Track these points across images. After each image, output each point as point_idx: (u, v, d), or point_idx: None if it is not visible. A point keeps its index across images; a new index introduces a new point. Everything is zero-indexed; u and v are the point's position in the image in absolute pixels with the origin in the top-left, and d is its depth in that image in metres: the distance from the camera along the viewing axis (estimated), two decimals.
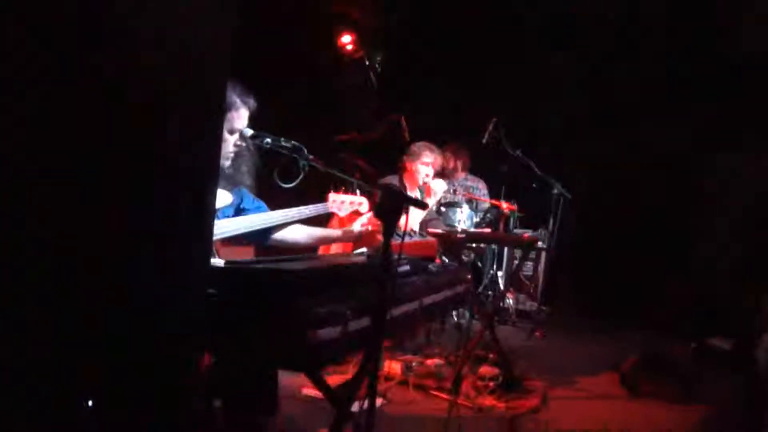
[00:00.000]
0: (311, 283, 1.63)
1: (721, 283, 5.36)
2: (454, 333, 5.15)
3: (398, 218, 1.75)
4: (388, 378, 3.75)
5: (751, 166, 5.41)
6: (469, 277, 2.90)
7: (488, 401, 3.56)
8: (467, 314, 5.66)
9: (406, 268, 2.13)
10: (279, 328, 1.46)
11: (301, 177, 2.21)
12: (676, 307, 5.37)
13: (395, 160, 4.95)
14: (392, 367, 3.80)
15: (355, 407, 1.92)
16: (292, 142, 2.30)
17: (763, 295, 5.01)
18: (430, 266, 2.38)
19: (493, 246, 5.87)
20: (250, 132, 2.44)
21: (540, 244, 5.92)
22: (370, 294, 1.73)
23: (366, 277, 1.84)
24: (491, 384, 3.69)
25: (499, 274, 6.00)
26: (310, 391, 3.42)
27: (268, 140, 2.32)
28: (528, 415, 3.47)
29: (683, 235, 5.83)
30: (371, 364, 1.83)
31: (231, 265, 1.66)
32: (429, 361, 3.95)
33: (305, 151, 2.25)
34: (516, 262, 6.11)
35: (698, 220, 5.76)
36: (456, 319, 5.52)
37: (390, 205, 1.70)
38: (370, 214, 2.82)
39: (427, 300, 2.12)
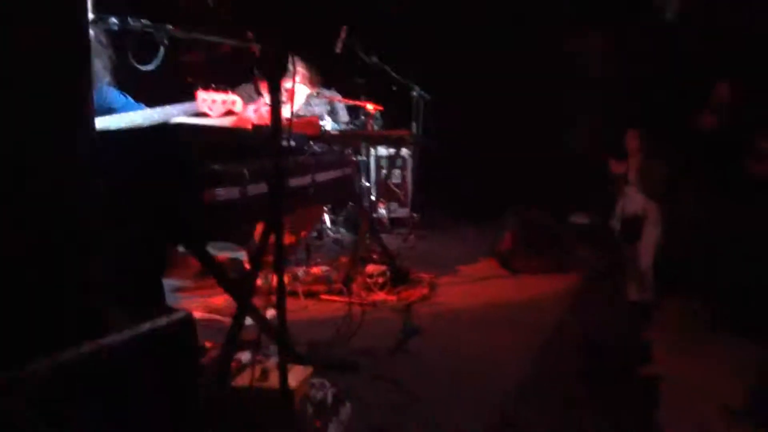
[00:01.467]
0: (205, 140, 1.48)
1: (580, 164, 5.75)
2: (332, 246, 5.14)
3: (283, 75, 1.63)
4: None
5: (597, 47, 5.78)
6: (355, 159, 2.84)
7: (380, 296, 3.61)
8: (343, 230, 5.68)
9: (293, 143, 2.02)
10: (171, 187, 1.31)
11: (162, 54, 1.99)
12: (543, 191, 5.71)
13: (247, 72, 4.69)
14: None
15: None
16: (142, 20, 2.06)
17: (613, 167, 5.46)
18: (315, 146, 2.29)
19: (362, 157, 5.86)
20: (90, 17, 2.15)
21: (405, 151, 6.01)
22: (265, 162, 1.62)
23: (258, 146, 1.71)
24: (380, 280, 3.73)
25: (369, 185, 6.02)
26: (201, 314, 3.27)
27: (114, 20, 2.06)
28: (419, 302, 3.57)
29: (545, 123, 6.14)
30: (272, 244, 1.73)
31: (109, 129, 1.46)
32: (314, 269, 3.91)
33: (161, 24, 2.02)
34: (384, 171, 6.17)
35: (558, 106, 6.09)
36: (332, 234, 5.51)
37: (274, 60, 1.57)
38: (262, 100, 2.61)
39: (319, 177, 2.04)
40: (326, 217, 5.58)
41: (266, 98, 2.32)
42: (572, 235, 4.79)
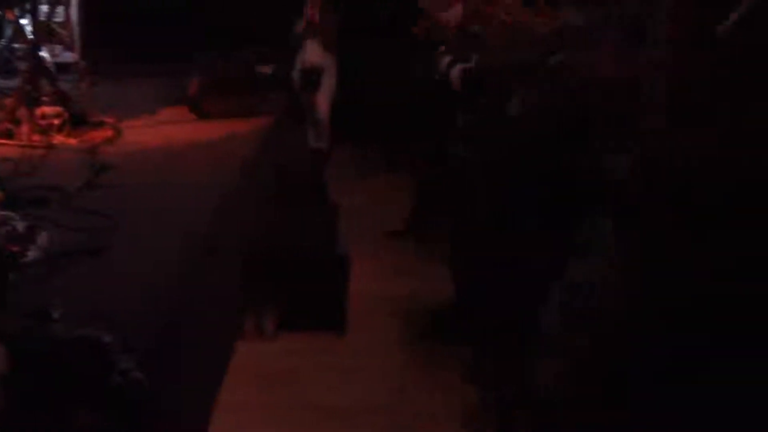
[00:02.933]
0: None
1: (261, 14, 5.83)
2: None
3: None
4: None
5: None
6: None
7: (58, 139, 3.38)
8: None
9: None
10: None
11: None
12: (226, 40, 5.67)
13: None
14: None
15: None
16: None
17: (294, 20, 5.71)
18: None
19: None
20: None
21: None
22: None
23: None
24: (56, 122, 3.46)
25: (25, 22, 5.25)
26: None
27: None
28: (104, 144, 3.44)
29: None
30: None
31: None
32: None
33: None
34: (44, 8, 5.42)
35: None
36: None
37: None
38: None
39: None
40: None
41: None
42: (259, 83, 4.96)
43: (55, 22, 5.60)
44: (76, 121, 3.59)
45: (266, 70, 5.69)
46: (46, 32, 5.44)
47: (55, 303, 1.47)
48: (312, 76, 5.92)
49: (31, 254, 1.92)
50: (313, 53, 5.93)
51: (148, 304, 1.90)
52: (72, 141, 3.40)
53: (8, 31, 5.18)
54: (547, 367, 1.50)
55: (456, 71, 2.86)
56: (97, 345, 1.37)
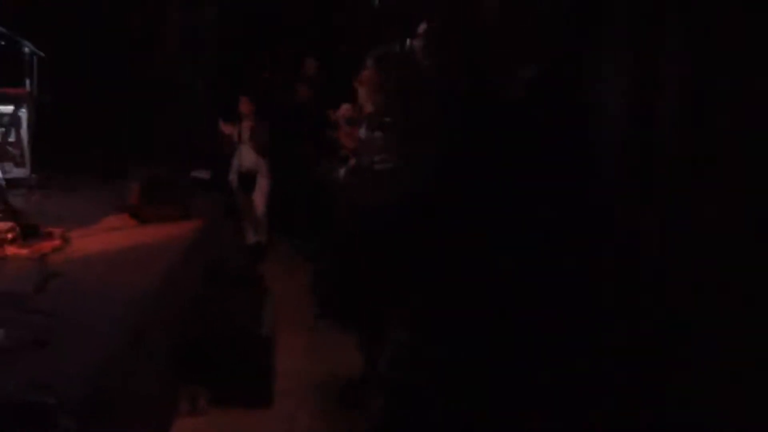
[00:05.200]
0: None
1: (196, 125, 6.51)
2: None
3: None
4: None
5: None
6: None
7: (11, 250, 3.84)
8: None
9: None
10: None
11: None
12: (164, 149, 6.30)
13: None
14: None
15: None
16: None
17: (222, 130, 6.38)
18: None
19: None
20: None
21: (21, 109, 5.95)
22: None
23: None
24: (9, 236, 3.93)
25: None
26: None
27: None
28: (54, 253, 3.92)
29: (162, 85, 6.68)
30: None
31: None
32: None
33: None
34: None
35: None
36: None
37: None
38: None
39: None
40: None
41: None
42: (195, 188, 5.56)
43: (8, 143, 6.14)
44: (28, 233, 4.07)
45: (203, 174, 6.32)
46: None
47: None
48: (248, 178, 6.59)
49: None
50: (248, 158, 6.62)
51: (87, 383, 2.36)
52: (23, 251, 3.86)
53: None
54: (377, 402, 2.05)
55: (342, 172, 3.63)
56: (41, 408, 1.84)
